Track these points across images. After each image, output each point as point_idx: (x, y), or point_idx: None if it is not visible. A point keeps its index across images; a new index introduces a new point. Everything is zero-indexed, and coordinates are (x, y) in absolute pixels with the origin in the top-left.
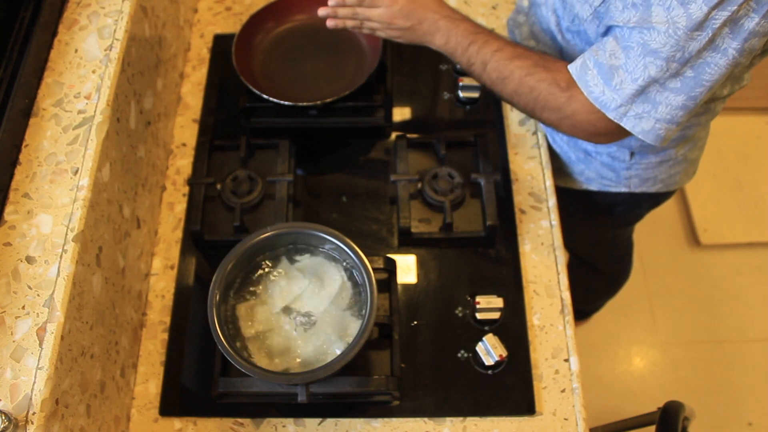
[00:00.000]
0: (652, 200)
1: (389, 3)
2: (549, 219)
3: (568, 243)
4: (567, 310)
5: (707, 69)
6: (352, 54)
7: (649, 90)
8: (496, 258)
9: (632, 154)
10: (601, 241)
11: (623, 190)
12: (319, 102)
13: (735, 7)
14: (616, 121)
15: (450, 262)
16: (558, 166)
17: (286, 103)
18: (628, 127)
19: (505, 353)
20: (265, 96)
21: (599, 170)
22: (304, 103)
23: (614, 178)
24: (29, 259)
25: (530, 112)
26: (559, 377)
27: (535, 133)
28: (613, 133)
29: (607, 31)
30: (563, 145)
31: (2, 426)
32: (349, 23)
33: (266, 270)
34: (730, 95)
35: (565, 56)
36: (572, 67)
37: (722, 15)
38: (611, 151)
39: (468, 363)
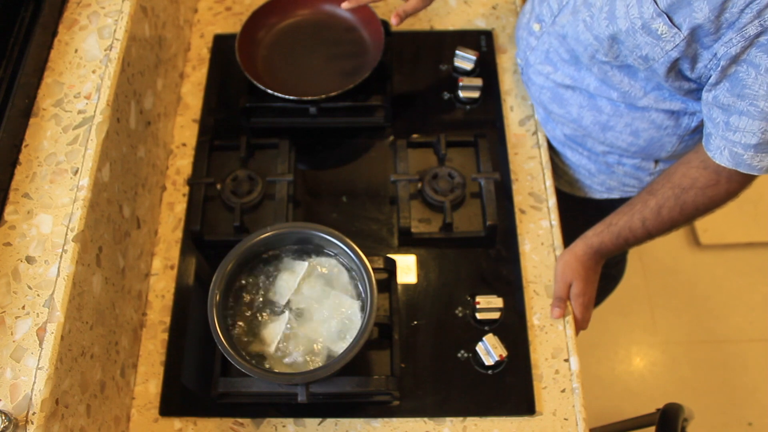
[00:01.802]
0: None
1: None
2: (549, 219)
3: None
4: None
5: None
6: (355, 49)
7: None
8: (496, 258)
9: (657, 162)
10: None
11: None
12: (323, 96)
13: None
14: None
15: (450, 262)
16: (572, 178)
17: (290, 97)
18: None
19: (505, 353)
20: (269, 91)
21: (622, 179)
22: (308, 98)
23: (638, 186)
24: (29, 259)
25: (709, 213)
26: (559, 377)
27: (535, 133)
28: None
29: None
30: (581, 158)
31: (2, 426)
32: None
33: (266, 270)
34: None
35: (590, 86)
36: (721, 160)
37: None
38: (636, 162)
39: (468, 363)
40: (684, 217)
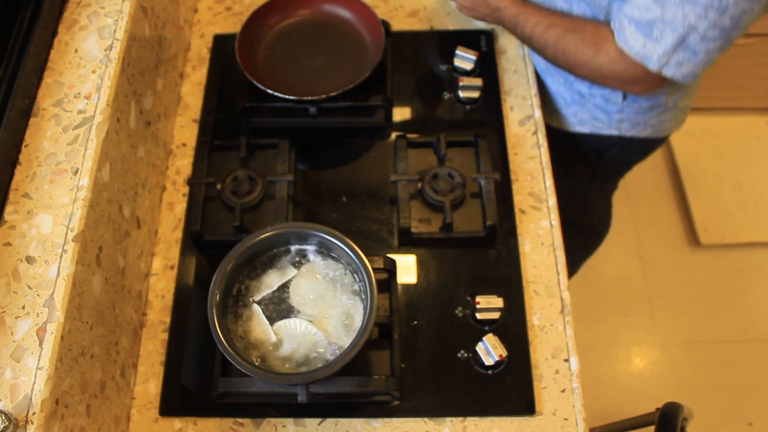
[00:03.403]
0: (641, 146)
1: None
2: (549, 219)
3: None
4: (567, 310)
5: (744, 15)
6: (355, 49)
7: (689, 39)
8: (496, 258)
9: (624, 97)
10: (589, 193)
11: (614, 132)
12: (323, 96)
13: None
14: (657, 70)
15: (450, 262)
16: (552, 107)
17: (290, 97)
18: (668, 75)
19: (505, 353)
20: (269, 91)
21: (592, 112)
22: (308, 98)
23: (606, 121)
24: (29, 259)
25: (571, 71)
26: (559, 377)
27: (535, 133)
28: (649, 81)
29: None
30: (558, 86)
31: (2, 426)
32: None
33: (266, 270)
34: None
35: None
36: (613, 26)
37: None
38: (605, 93)
39: (468, 363)
40: (555, 51)
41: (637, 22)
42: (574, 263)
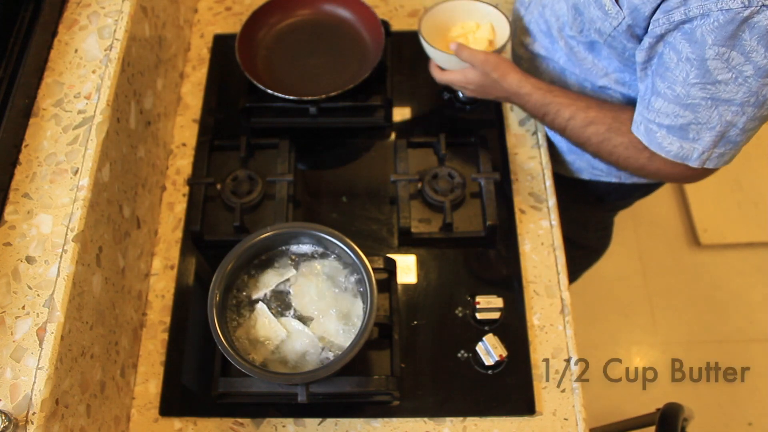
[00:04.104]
0: (643, 189)
1: (463, 85)
2: (549, 219)
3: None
4: (567, 310)
5: None
6: (355, 49)
7: (728, 133)
8: (496, 258)
9: None
10: (590, 221)
11: (614, 180)
12: (323, 96)
13: None
14: (699, 167)
15: (450, 262)
16: (553, 153)
17: (290, 97)
18: (712, 166)
19: (505, 353)
20: (269, 91)
21: (590, 161)
22: (308, 98)
23: (605, 169)
24: (29, 259)
25: (615, 167)
26: (558, 377)
27: (535, 133)
28: (701, 174)
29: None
30: (555, 135)
31: (2, 426)
32: None
33: (266, 270)
34: None
35: (560, 60)
36: (638, 134)
37: None
38: None
39: (468, 363)
40: (598, 150)
41: (668, 128)
42: (572, 274)
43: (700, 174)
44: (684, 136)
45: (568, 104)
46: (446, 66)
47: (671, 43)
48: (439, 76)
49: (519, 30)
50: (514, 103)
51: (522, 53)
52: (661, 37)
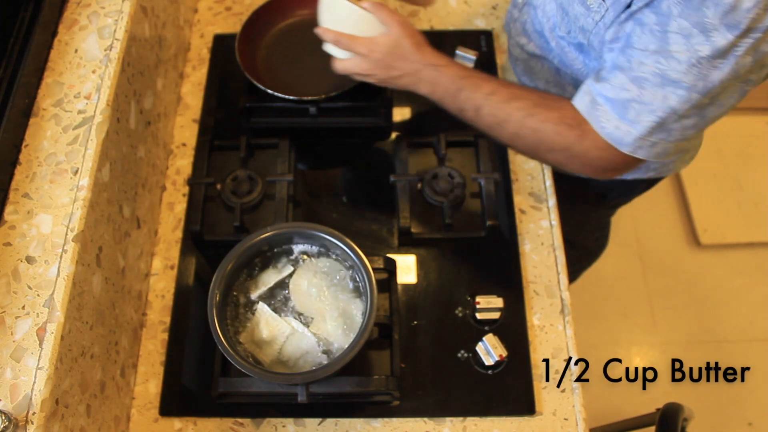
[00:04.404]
0: (644, 185)
1: (365, 52)
2: (549, 219)
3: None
4: (567, 310)
5: (727, 97)
6: None
7: (667, 121)
8: (496, 258)
9: None
10: (588, 222)
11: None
12: (323, 96)
13: (760, 35)
14: (630, 154)
15: (450, 262)
16: None
17: (290, 97)
18: (641, 156)
19: (505, 353)
20: (269, 91)
21: None
22: (308, 98)
23: None
24: (29, 259)
25: (532, 154)
26: (558, 377)
27: None
28: (626, 166)
29: (616, 53)
30: None
31: (2, 426)
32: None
33: (266, 270)
34: None
35: (554, 59)
36: (579, 104)
37: (747, 43)
38: None
39: (468, 363)
40: (519, 127)
41: (612, 102)
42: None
43: (627, 164)
44: (623, 115)
45: (489, 79)
46: (353, 29)
47: (639, 19)
48: (339, 60)
49: (515, 32)
50: (415, 86)
51: (518, 54)
52: (631, 15)
